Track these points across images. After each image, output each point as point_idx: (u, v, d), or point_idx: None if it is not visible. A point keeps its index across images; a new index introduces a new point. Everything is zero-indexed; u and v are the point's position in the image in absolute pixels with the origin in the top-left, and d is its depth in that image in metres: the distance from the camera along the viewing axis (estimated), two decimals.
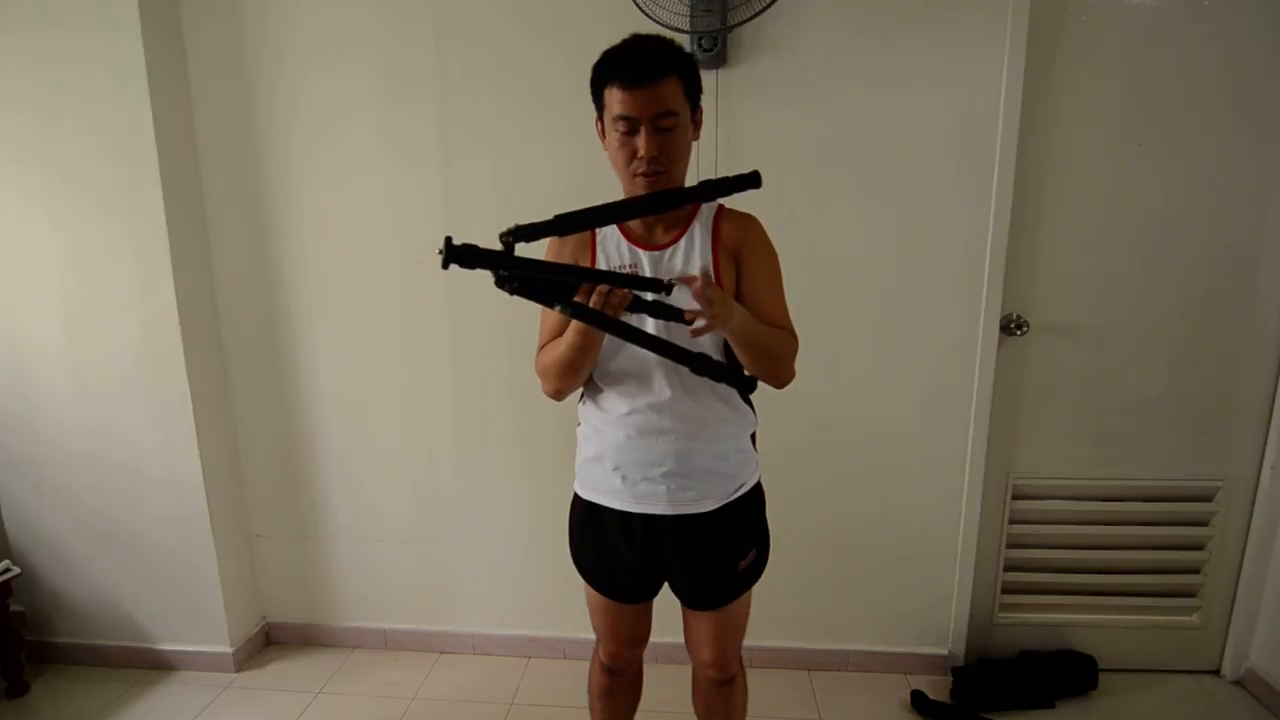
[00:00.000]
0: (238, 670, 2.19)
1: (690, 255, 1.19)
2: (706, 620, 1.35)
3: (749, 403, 1.31)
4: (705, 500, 1.26)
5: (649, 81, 1.09)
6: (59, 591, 2.19)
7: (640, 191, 1.16)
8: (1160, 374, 1.94)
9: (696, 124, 1.20)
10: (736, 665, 1.43)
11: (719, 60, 1.80)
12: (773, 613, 2.08)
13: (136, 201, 1.91)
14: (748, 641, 1.44)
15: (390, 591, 2.27)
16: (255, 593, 2.30)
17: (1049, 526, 2.06)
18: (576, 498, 1.37)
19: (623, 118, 1.11)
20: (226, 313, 2.12)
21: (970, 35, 1.77)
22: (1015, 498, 2.05)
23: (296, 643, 2.32)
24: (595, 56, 1.18)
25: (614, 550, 1.32)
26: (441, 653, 2.27)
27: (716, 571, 1.31)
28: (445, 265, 0.96)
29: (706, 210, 1.22)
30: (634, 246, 1.21)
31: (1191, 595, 2.07)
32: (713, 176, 1.09)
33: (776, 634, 2.12)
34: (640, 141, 1.12)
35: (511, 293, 1.00)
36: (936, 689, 2.01)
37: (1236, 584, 2.03)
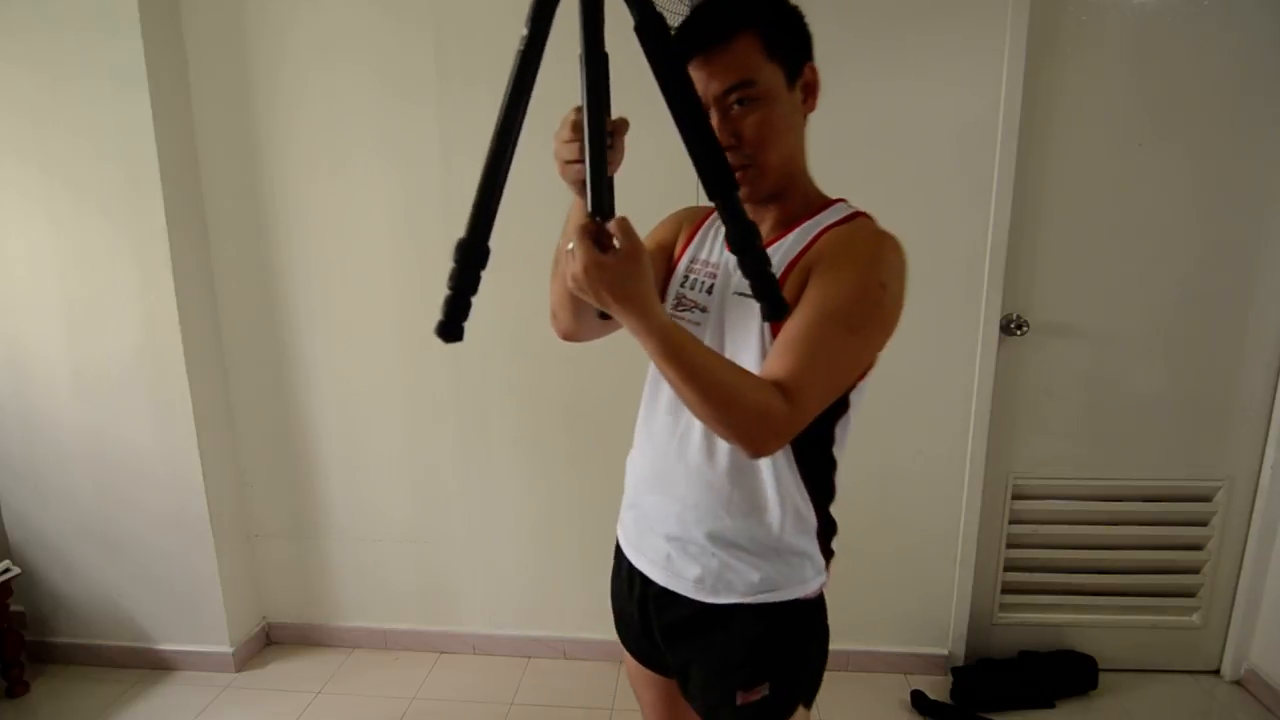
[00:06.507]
0: (238, 670, 2.19)
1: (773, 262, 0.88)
2: None
3: (823, 492, 1.00)
4: (708, 587, 0.96)
5: (713, 45, 0.85)
6: (59, 591, 2.19)
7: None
8: (1160, 374, 1.94)
9: (807, 88, 0.90)
10: None
11: None
12: None
13: (137, 202, 1.92)
14: None
15: (390, 591, 2.26)
16: (255, 593, 2.30)
17: (1049, 526, 2.06)
18: None
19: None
20: (226, 313, 2.12)
21: (970, 35, 1.77)
22: (1015, 498, 2.05)
23: (296, 643, 2.32)
24: None
25: (621, 598, 1.14)
26: (441, 653, 2.27)
27: (705, 686, 0.99)
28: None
29: (833, 211, 0.93)
30: (725, 246, 0.93)
31: (1191, 595, 2.07)
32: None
33: None
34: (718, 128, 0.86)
35: None
36: (936, 689, 2.01)
37: (1236, 584, 2.03)
